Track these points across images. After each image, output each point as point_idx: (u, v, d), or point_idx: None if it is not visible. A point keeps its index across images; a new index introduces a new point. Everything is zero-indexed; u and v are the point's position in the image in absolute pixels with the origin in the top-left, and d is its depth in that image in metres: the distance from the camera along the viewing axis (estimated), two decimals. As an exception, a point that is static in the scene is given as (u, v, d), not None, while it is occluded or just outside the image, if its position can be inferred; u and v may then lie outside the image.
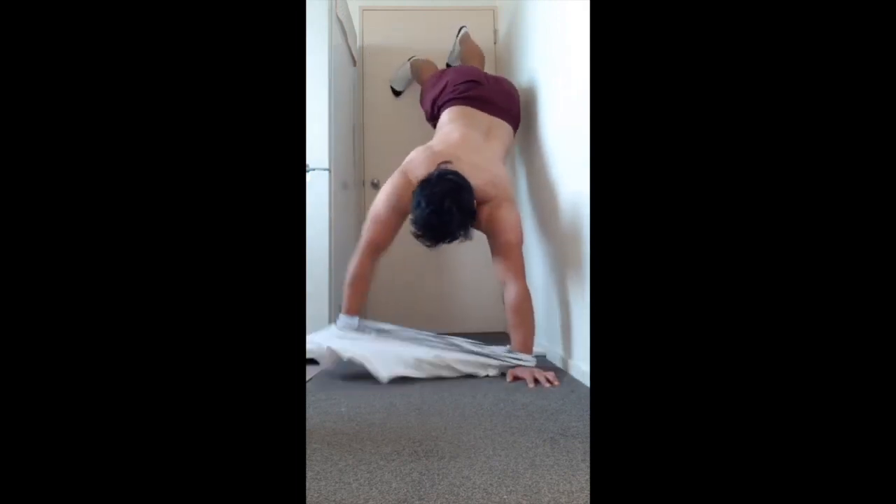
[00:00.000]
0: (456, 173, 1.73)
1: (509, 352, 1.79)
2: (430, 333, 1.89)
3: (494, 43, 3.33)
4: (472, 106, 2.12)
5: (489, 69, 3.28)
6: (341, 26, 2.60)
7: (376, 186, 3.17)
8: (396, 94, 3.20)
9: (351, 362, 1.68)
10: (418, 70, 2.88)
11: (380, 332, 1.86)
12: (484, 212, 1.82)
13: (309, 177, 2.22)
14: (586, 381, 1.58)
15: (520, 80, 2.70)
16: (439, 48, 3.13)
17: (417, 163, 1.86)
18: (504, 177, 1.96)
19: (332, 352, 1.69)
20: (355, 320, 1.84)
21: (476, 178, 1.78)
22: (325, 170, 2.23)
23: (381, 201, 1.87)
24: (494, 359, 1.77)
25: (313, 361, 1.94)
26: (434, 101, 2.26)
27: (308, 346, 1.72)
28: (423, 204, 1.68)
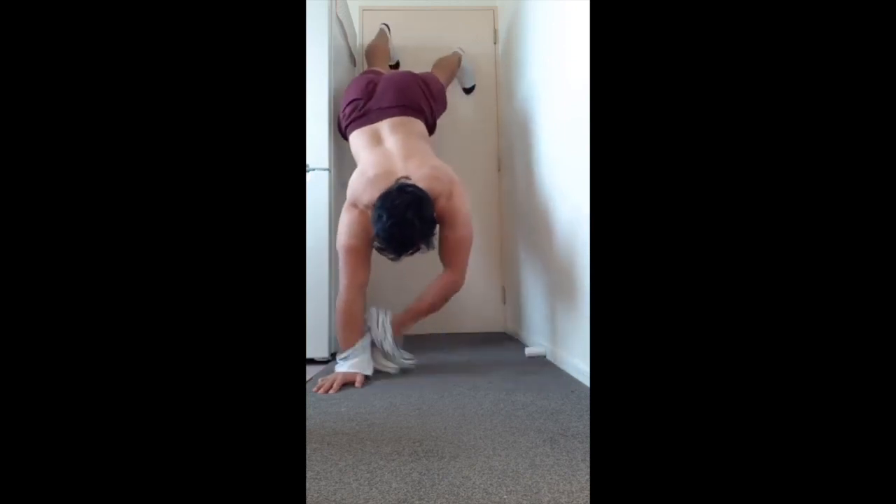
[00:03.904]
0: (415, 186, 1.77)
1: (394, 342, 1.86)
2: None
3: (494, 43, 3.33)
4: (365, 124, 2.12)
5: (489, 70, 3.29)
6: (341, 26, 2.60)
7: (376, 186, 3.17)
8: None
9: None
10: (372, 47, 2.89)
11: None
12: (439, 205, 1.86)
13: (309, 177, 2.21)
14: (586, 381, 1.58)
15: (519, 79, 2.71)
16: (439, 48, 3.13)
17: (360, 191, 1.88)
18: (441, 166, 1.96)
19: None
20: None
21: (419, 182, 1.81)
22: (325, 170, 2.23)
23: (344, 234, 1.89)
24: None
25: (313, 361, 1.94)
26: (340, 127, 2.27)
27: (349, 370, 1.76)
28: (384, 217, 1.69)
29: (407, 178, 1.82)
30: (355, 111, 2.15)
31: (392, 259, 1.80)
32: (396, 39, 3.20)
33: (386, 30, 3.06)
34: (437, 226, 1.86)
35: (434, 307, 1.96)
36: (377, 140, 2.05)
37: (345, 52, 2.75)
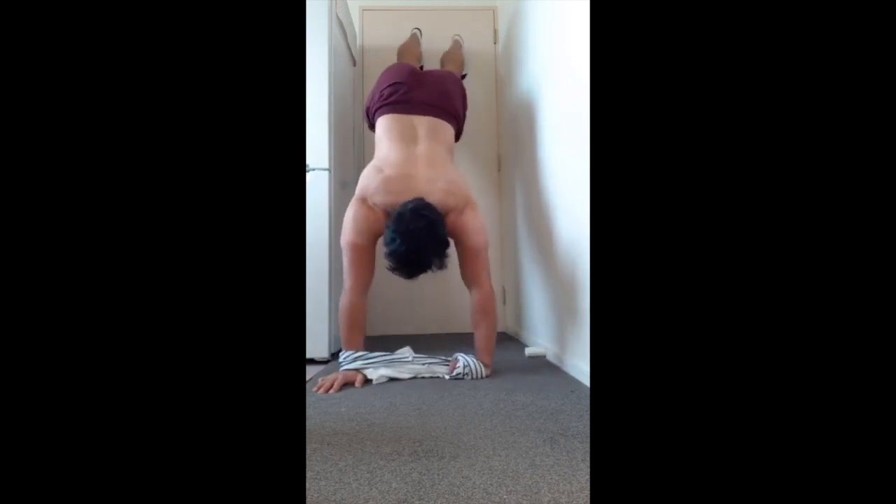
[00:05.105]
0: (429, 207, 1.76)
1: (476, 357, 1.81)
2: (406, 354, 1.91)
3: (494, 43, 3.33)
4: (401, 111, 2.05)
5: (489, 69, 3.29)
6: (341, 26, 2.60)
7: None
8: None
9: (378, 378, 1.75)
10: (404, 48, 2.87)
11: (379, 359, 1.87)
12: (448, 220, 1.86)
13: (309, 177, 2.21)
14: (586, 381, 1.58)
15: (519, 79, 2.70)
16: (439, 48, 3.13)
17: (373, 189, 1.86)
18: (458, 180, 1.94)
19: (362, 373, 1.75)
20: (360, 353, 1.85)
21: (434, 194, 1.82)
22: (325, 170, 2.23)
23: (350, 230, 1.87)
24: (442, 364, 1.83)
25: (313, 361, 1.94)
26: (368, 110, 2.20)
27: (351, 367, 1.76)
28: (398, 241, 1.69)
29: (422, 198, 1.80)
30: (396, 94, 2.08)
31: (405, 278, 1.79)
32: (397, 39, 3.20)
33: (418, 34, 3.05)
34: (451, 242, 1.84)
35: (490, 331, 1.89)
36: (409, 137, 2.00)
37: (345, 53, 2.76)
